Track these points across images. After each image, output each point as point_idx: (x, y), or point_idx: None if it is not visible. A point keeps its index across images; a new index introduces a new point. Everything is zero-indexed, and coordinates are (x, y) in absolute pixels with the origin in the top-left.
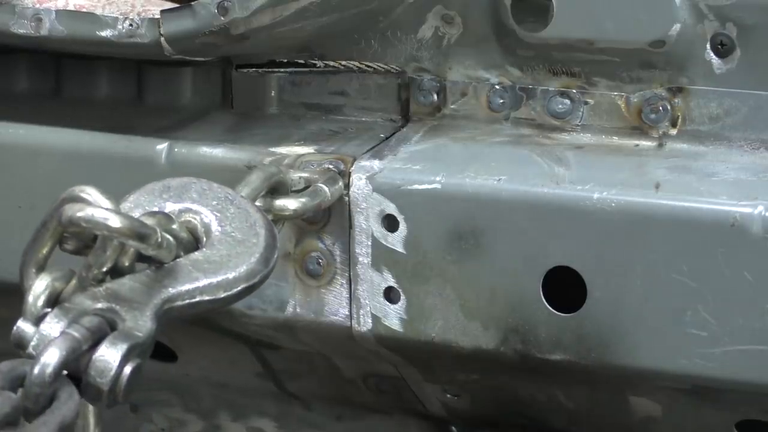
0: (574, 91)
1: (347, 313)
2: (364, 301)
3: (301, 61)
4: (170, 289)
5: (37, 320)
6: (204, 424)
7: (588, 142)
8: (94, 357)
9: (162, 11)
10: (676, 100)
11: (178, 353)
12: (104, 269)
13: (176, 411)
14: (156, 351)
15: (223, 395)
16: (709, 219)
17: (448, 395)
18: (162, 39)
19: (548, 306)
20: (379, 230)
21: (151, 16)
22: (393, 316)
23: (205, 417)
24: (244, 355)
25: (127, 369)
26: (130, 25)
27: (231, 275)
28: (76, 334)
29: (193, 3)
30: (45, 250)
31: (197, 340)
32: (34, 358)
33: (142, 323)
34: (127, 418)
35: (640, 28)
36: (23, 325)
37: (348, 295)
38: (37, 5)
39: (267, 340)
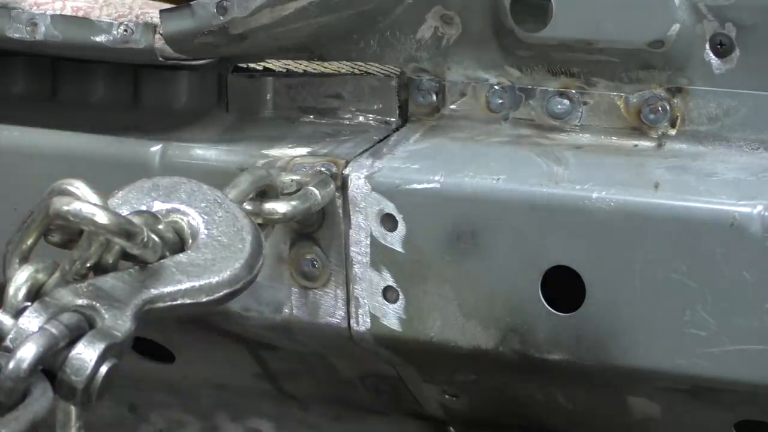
0: (573, 91)
1: (344, 313)
2: (362, 301)
3: (299, 70)
4: (152, 290)
5: (17, 313)
6: (202, 425)
7: (587, 142)
8: (70, 355)
9: (161, 11)
10: (675, 101)
11: (176, 354)
12: (88, 264)
13: (174, 411)
14: (154, 352)
15: (221, 396)
16: (708, 219)
17: (447, 396)
18: (159, 41)
19: (547, 305)
20: (377, 229)
21: (149, 18)
22: (392, 316)
23: (203, 417)
24: (242, 355)
25: (103, 368)
26: (125, 30)
27: (214, 280)
28: (54, 331)
29: (192, 3)
30: (30, 241)
31: (195, 341)
32: (10, 352)
33: (121, 323)
34: (125, 418)
35: (639, 28)
36: (2, 317)
37: (345, 296)
38: (35, 8)
39: (265, 341)
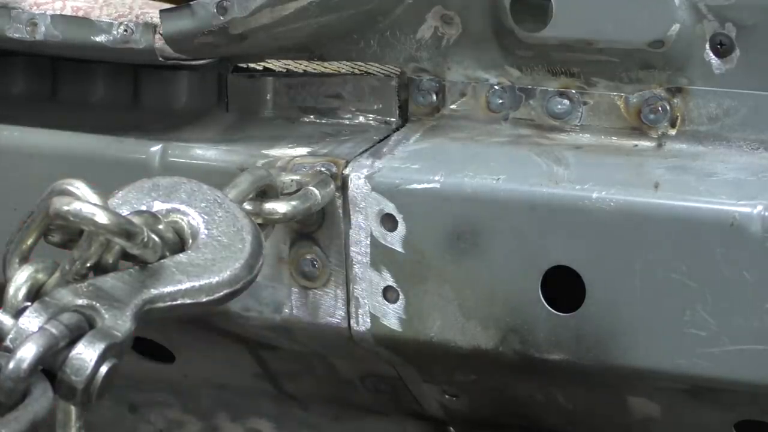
0: (573, 91)
1: (344, 314)
2: (362, 301)
3: (299, 70)
4: (152, 290)
5: (17, 313)
6: (202, 425)
7: (587, 142)
8: (70, 355)
9: (161, 11)
10: (675, 101)
11: (176, 354)
12: (88, 264)
13: (174, 411)
14: (154, 351)
15: (221, 396)
16: (708, 219)
17: (447, 396)
18: (159, 41)
19: (547, 305)
20: (377, 229)
21: (149, 18)
22: (392, 316)
23: (203, 417)
24: (242, 355)
25: (103, 369)
26: (125, 30)
27: (214, 280)
28: (54, 331)
29: (192, 3)
30: (30, 241)
31: (195, 341)
32: (10, 352)
33: (121, 323)
34: (125, 418)
35: (639, 28)
36: (2, 317)
37: (345, 296)
38: (35, 8)
39: (265, 341)
